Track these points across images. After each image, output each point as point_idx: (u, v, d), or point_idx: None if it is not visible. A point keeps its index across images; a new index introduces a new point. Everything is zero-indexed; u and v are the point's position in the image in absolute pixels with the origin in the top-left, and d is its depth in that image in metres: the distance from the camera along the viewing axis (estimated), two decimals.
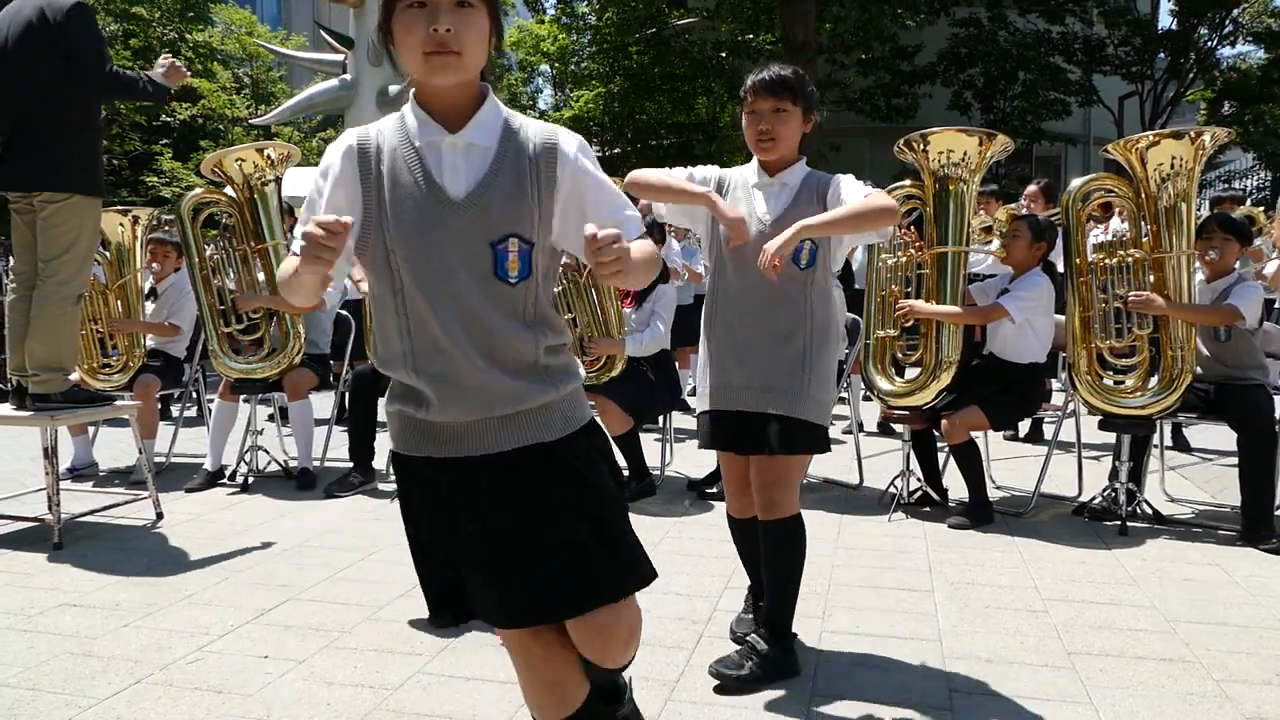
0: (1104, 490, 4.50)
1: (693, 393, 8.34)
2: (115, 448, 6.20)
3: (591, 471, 1.74)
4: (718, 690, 2.61)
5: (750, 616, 3.04)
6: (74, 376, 4.29)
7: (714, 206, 2.62)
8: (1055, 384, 6.43)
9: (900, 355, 4.60)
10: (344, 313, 5.69)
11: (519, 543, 1.68)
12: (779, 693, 2.60)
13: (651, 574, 1.74)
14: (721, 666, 2.65)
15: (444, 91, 1.64)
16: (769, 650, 2.68)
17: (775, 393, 2.66)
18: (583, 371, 1.84)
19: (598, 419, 1.84)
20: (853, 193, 2.63)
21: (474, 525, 1.70)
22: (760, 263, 2.45)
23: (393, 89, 11.46)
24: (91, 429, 5.67)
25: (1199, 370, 4.27)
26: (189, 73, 4.38)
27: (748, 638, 2.77)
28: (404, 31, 1.58)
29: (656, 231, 5.29)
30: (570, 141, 1.71)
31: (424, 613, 3.12)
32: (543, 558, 1.67)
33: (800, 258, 2.66)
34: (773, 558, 2.77)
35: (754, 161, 2.82)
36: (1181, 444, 6.13)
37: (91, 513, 4.44)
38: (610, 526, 1.72)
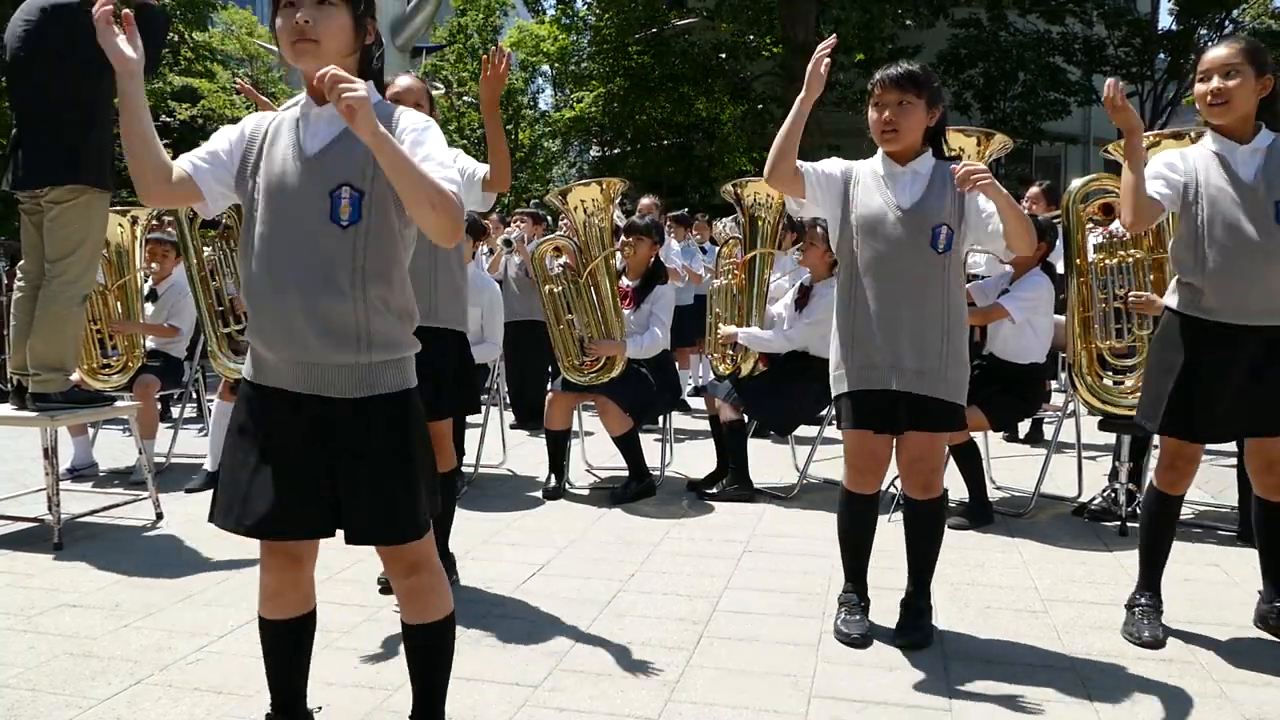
0: (1104, 491, 4.50)
1: (693, 393, 8.37)
2: (115, 448, 6.20)
3: (376, 434, 1.94)
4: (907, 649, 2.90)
5: (858, 617, 3.04)
6: (74, 377, 4.29)
7: (806, 94, 2.80)
8: (1054, 384, 6.43)
9: None
10: None
11: (329, 473, 1.93)
12: (778, 693, 2.60)
13: (414, 532, 1.98)
14: (907, 633, 2.96)
15: (314, 74, 1.86)
16: (927, 607, 3.03)
17: (924, 375, 2.83)
18: (411, 354, 2.02)
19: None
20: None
21: (285, 446, 1.94)
22: (964, 175, 2.57)
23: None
24: (91, 429, 5.67)
25: None
26: None
27: (909, 603, 3.03)
28: (279, 25, 1.90)
29: (655, 231, 5.29)
30: (408, 114, 1.96)
31: None
32: (349, 491, 1.93)
33: (939, 242, 2.81)
34: (926, 533, 3.01)
35: (879, 154, 2.95)
36: None
37: (91, 513, 4.44)
38: (374, 481, 1.94)
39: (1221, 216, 2.80)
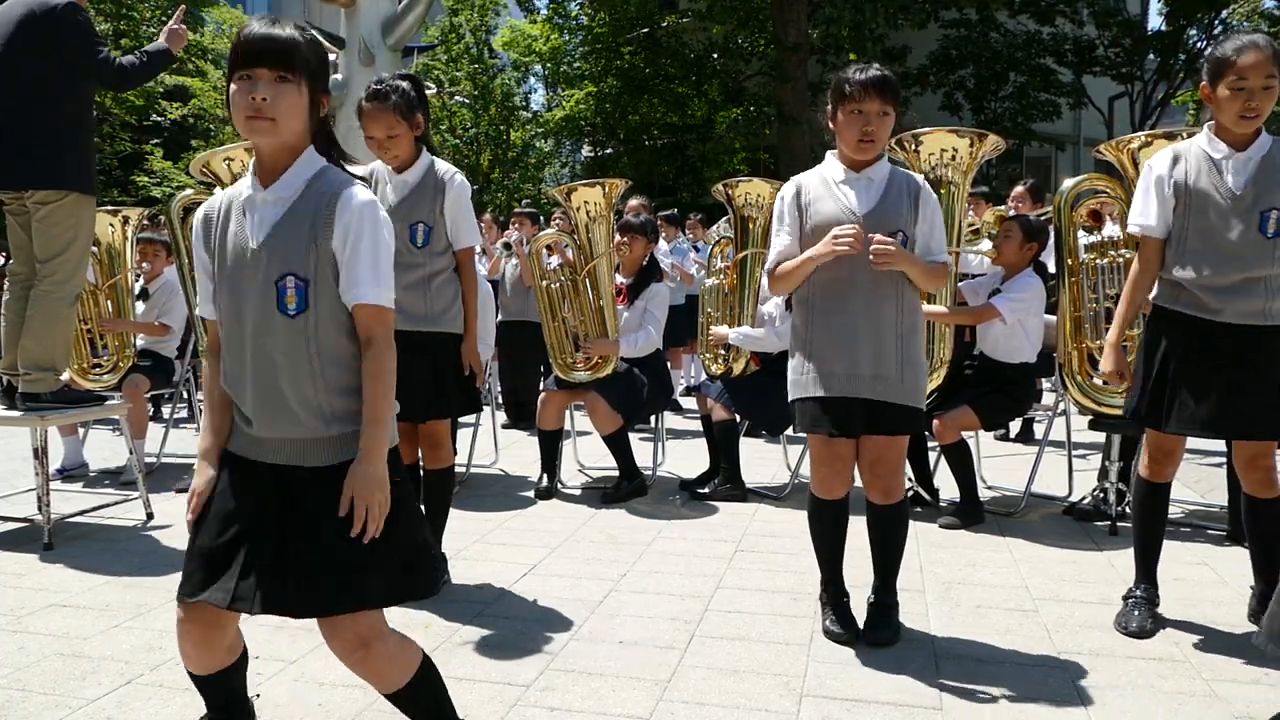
0: (1094, 490, 4.52)
1: (685, 393, 8.37)
2: (106, 448, 6.18)
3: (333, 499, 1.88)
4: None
5: (837, 619, 3.04)
6: (64, 377, 4.28)
7: (814, 261, 2.82)
8: (1046, 384, 6.45)
9: None
10: None
11: (280, 542, 1.89)
12: (769, 692, 2.61)
13: (363, 603, 1.90)
14: (875, 632, 2.96)
15: (266, 152, 1.91)
16: (893, 604, 3.04)
17: (881, 380, 2.84)
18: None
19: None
20: (936, 235, 2.92)
21: (260, 516, 1.91)
22: (875, 252, 2.71)
23: None
24: (82, 429, 5.65)
25: None
26: (185, 34, 4.35)
27: (875, 602, 3.05)
28: (235, 98, 1.85)
29: (650, 230, 5.29)
30: (358, 197, 1.90)
31: (419, 613, 3.14)
32: (293, 559, 1.88)
33: None
34: (890, 537, 3.03)
35: (831, 159, 2.95)
36: None
37: (82, 513, 4.43)
38: (336, 552, 1.87)
39: (1207, 221, 2.83)
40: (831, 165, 2.94)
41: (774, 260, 2.97)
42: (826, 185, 2.91)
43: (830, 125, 2.91)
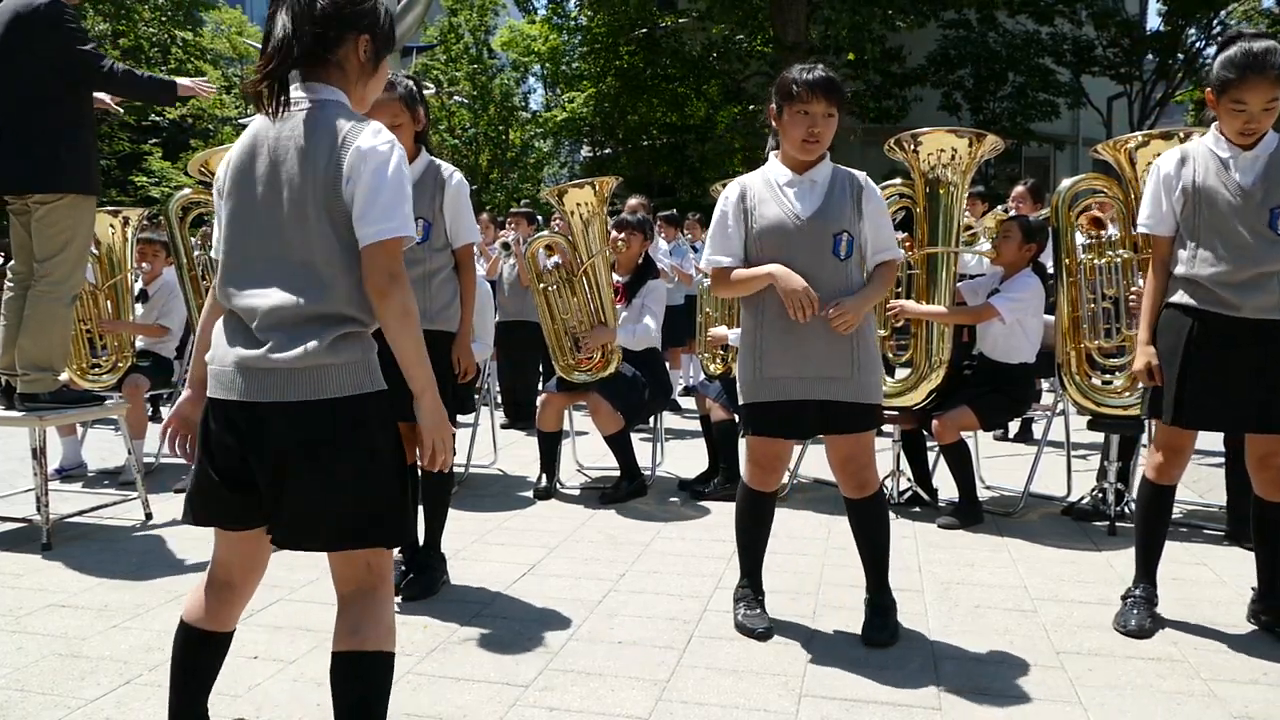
0: (1092, 490, 4.52)
1: (684, 393, 8.37)
2: (104, 448, 6.18)
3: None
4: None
5: (758, 611, 3.08)
6: (63, 377, 4.28)
7: (776, 280, 2.79)
8: (1045, 384, 6.45)
9: (891, 355, 4.62)
10: None
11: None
12: (768, 692, 2.61)
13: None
14: (873, 633, 2.96)
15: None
16: (891, 604, 3.04)
17: (835, 381, 2.84)
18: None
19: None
20: (884, 231, 2.93)
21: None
22: (835, 325, 2.77)
23: None
24: (81, 429, 5.65)
25: None
26: (206, 93, 4.59)
27: (873, 602, 3.03)
28: None
29: (646, 228, 5.29)
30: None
31: (418, 613, 3.13)
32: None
33: (839, 249, 2.84)
34: (874, 529, 3.02)
35: (774, 160, 2.94)
36: None
37: (80, 513, 4.43)
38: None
39: (1218, 219, 2.85)
40: (775, 167, 2.92)
41: (718, 263, 2.92)
42: (770, 188, 2.89)
43: (774, 123, 2.90)
